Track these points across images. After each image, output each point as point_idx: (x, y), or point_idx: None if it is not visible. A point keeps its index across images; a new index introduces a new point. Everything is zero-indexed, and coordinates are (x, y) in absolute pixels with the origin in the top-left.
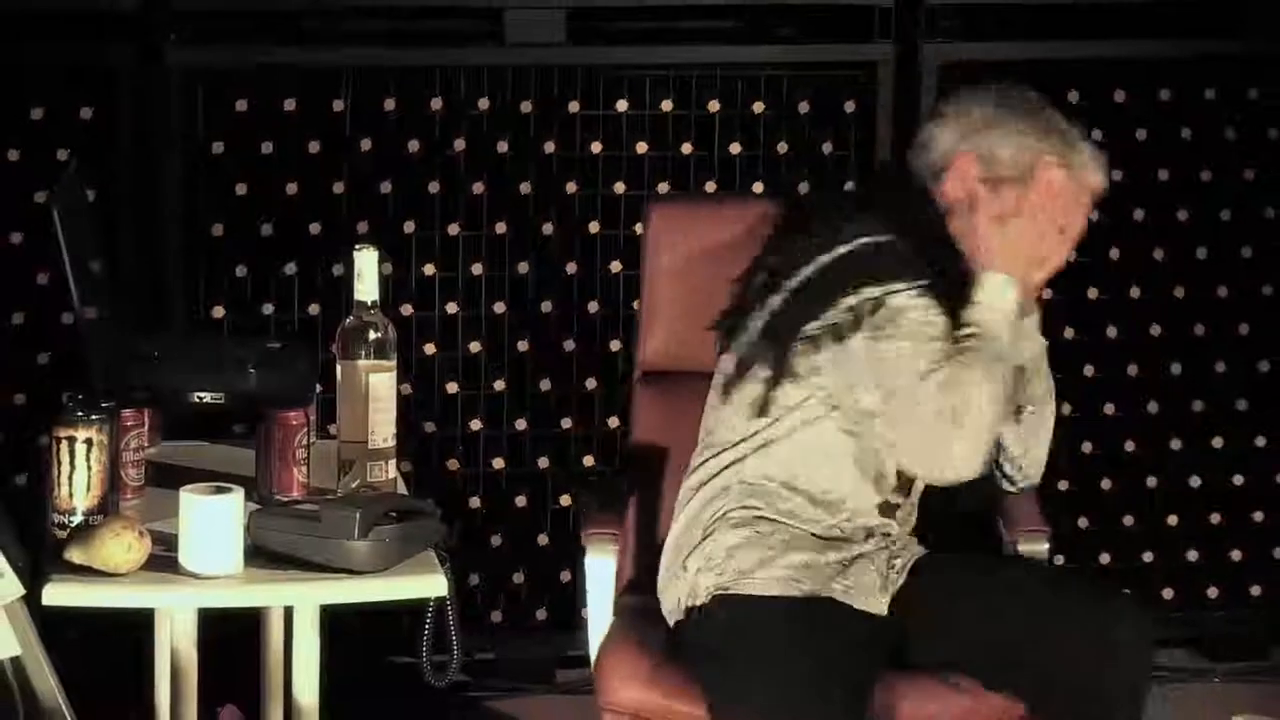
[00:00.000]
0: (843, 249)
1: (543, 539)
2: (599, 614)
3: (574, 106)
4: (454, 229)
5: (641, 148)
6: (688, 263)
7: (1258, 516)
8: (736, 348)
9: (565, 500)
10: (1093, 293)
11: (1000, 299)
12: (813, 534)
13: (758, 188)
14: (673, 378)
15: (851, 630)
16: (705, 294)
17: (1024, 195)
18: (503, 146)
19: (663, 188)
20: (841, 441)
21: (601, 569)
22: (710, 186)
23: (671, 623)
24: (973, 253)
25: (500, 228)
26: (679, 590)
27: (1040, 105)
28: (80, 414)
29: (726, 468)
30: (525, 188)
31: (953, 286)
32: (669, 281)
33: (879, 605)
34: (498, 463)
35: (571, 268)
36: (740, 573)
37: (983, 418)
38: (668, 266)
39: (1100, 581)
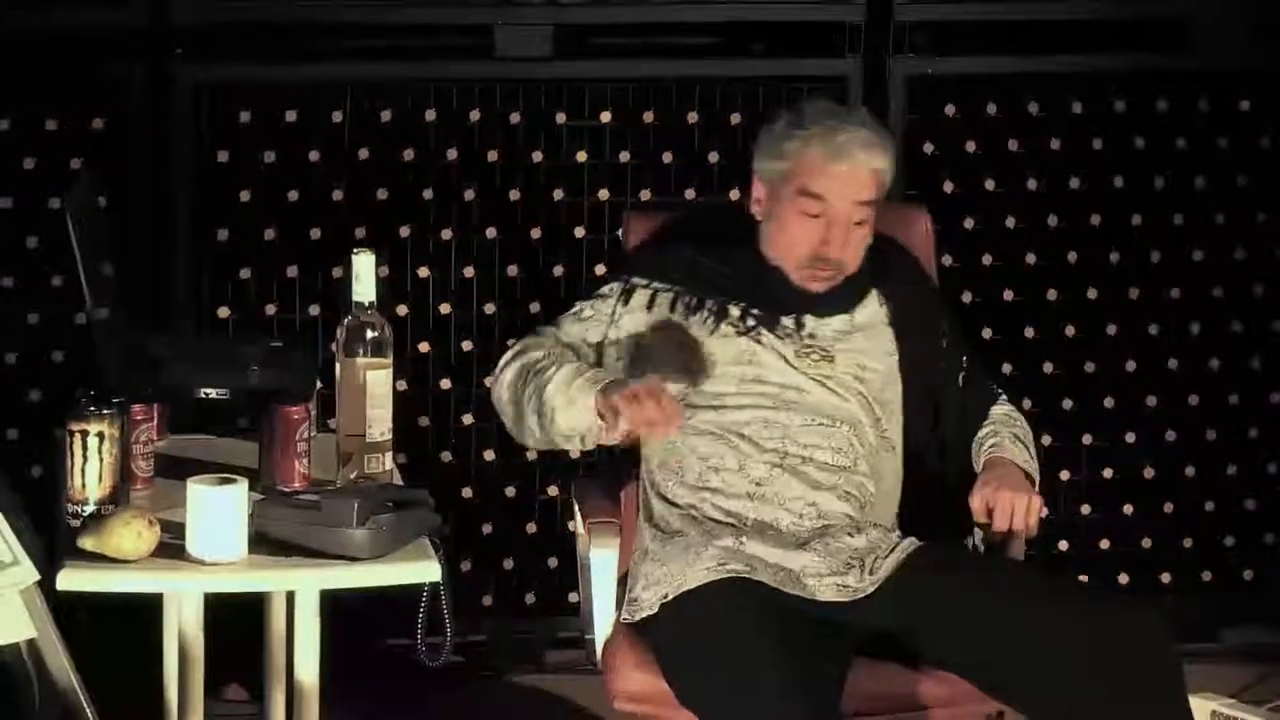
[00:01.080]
0: None
1: (531, 527)
2: (603, 601)
3: (560, 118)
4: (447, 234)
5: (624, 157)
6: None
7: (1209, 506)
8: None
9: (553, 490)
10: (1052, 293)
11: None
12: (725, 522)
13: (734, 194)
14: None
15: (789, 609)
16: None
17: (788, 191)
18: (493, 156)
19: (645, 195)
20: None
21: (604, 556)
22: (690, 193)
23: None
24: (776, 255)
25: (491, 233)
26: (637, 609)
27: (802, 115)
28: (92, 409)
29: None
30: (514, 195)
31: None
32: None
33: (829, 592)
34: (488, 455)
35: (558, 270)
36: (673, 577)
37: (520, 413)
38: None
39: (1105, 591)
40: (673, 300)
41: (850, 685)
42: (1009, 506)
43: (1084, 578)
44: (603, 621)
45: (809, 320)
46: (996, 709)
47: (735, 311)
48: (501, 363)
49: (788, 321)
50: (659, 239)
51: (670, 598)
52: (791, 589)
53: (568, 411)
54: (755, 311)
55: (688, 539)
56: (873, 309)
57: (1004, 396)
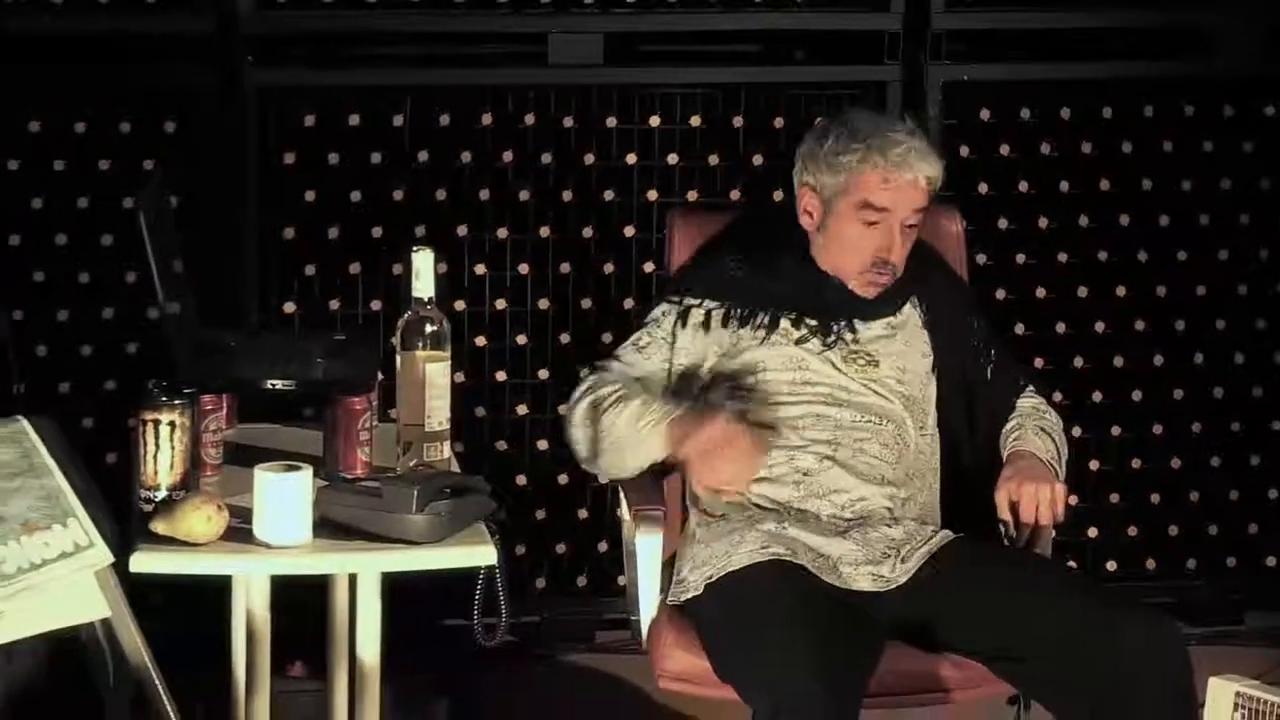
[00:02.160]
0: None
1: (582, 513)
2: (648, 584)
3: (611, 122)
4: (502, 233)
5: (672, 159)
6: None
7: (1233, 495)
8: None
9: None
10: (1082, 291)
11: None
12: (771, 506)
13: (778, 195)
14: None
15: (827, 592)
16: None
17: (846, 204)
18: (546, 158)
19: (691, 195)
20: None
21: (649, 543)
22: (735, 194)
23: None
24: (833, 266)
25: (544, 232)
26: (683, 590)
27: (858, 117)
28: (164, 399)
29: None
30: (567, 195)
31: (788, 298)
32: None
33: (864, 581)
34: (541, 444)
35: (609, 268)
36: (719, 558)
37: (601, 437)
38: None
39: (1123, 596)
40: (725, 315)
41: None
42: (1033, 499)
43: (1112, 564)
44: (648, 604)
45: (857, 325)
46: (1015, 692)
47: (786, 323)
48: (572, 400)
49: (836, 328)
50: (707, 252)
51: (715, 578)
52: (828, 576)
53: (638, 451)
54: (808, 321)
55: (732, 523)
56: (908, 311)
57: (1031, 389)
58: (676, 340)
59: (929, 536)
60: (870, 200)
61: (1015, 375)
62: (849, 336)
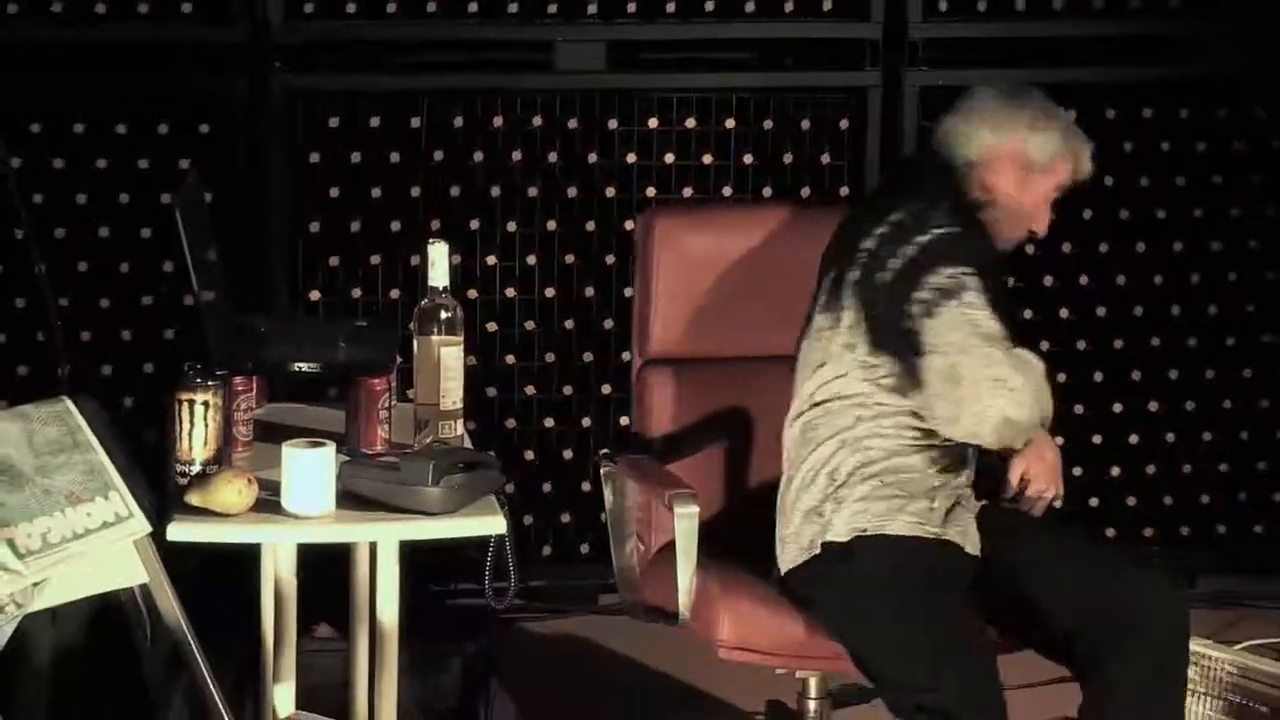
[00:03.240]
0: (922, 239)
1: (586, 486)
2: (686, 563)
3: (612, 123)
4: (512, 226)
5: (669, 158)
6: (686, 263)
7: (1186, 469)
8: (850, 320)
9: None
10: (1048, 279)
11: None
12: (926, 486)
13: (767, 192)
14: (674, 364)
15: (963, 575)
16: (701, 289)
17: (1044, 181)
18: (552, 157)
19: (687, 192)
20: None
21: (688, 524)
22: (727, 190)
23: (797, 563)
24: (1004, 235)
25: (551, 225)
26: (810, 533)
27: (1053, 105)
28: (199, 380)
29: (841, 431)
30: (572, 192)
31: (986, 267)
32: (668, 279)
33: (976, 548)
34: (548, 422)
35: (610, 259)
36: (875, 516)
37: (1027, 401)
38: (666, 267)
39: (1134, 553)
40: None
41: None
42: (1044, 482)
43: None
44: (688, 579)
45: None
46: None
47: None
48: (1019, 371)
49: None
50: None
51: (869, 533)
52: (965, 545)
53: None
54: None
55: (889, 486)
56: None
57: None
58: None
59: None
60: (1069, 182)
61: None
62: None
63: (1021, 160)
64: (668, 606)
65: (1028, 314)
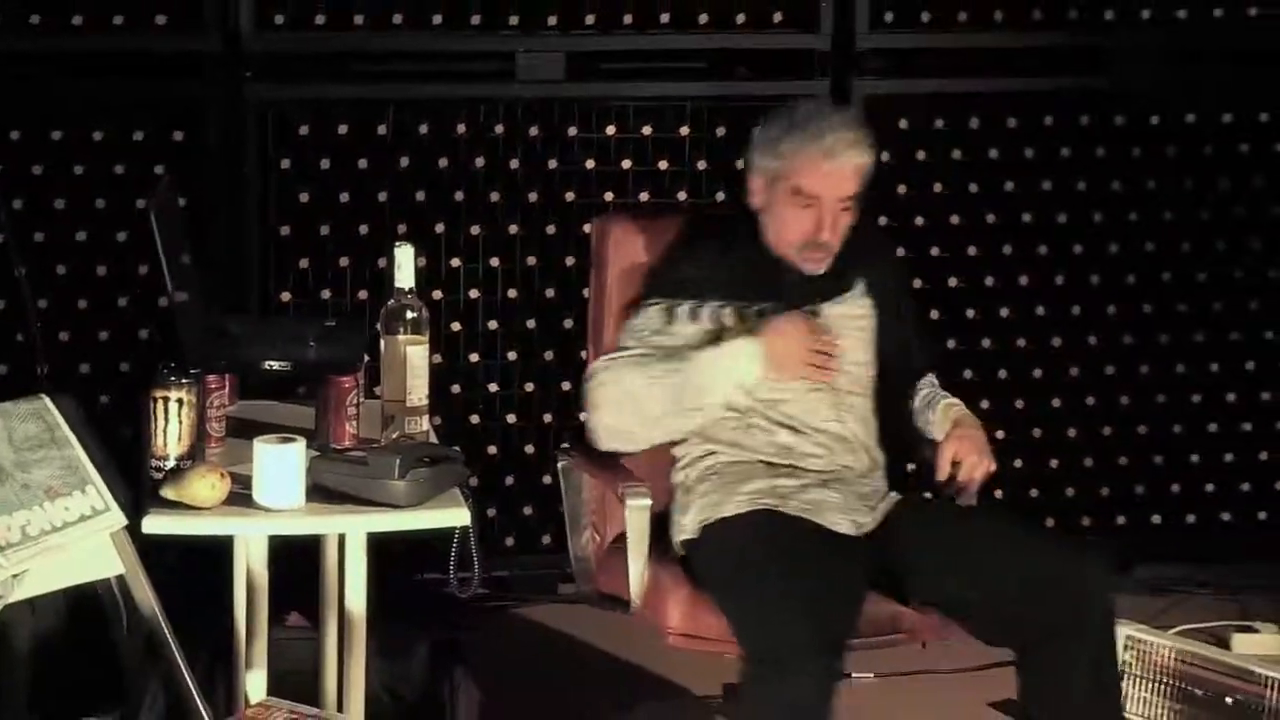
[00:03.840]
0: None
1: (547, 479)
2: (637, 553)
3: (572, 131)
4: (475, 229)
5: (626, 164)
6: (636, 265)
7: (1122, 461)
8: None
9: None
10: (989, 280)
11: (731, 363)
12: (761, 461)
13: (720, 196)
14: None
15: (813, 538)
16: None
17: (783, 187)
18: (514, 163)
19: (643, 197)
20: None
21: (640, 516)
22: (682, 195)
23: (679, 555)
24: (771, 245)
25: (513, 228)
26: (678, 533)
27: (795, 117)
28: (173, 379)
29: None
30: (533, 197)
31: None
32: (620, 281)
33: (845, 525)
34: (510, 418)
35: (569, 261)
36: (713, 506)
37: (619, 402)
38: (618, 269)
39: (1066, 538)
40: (696, 310)
41: None
42: (974, 467)
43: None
44: (638, 569)
45: (822, 306)
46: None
47: (753, 311)
48: (596, 370)
49: (806, 311)
50: (673, 256)
51: (711, 521)
52: (815, 518)
53: (730, 377)
54: (771, 308)
55: (724, 477)
56: (859, 288)
57: (934, 375)
58: (674, 334)
59: (885, 493)
60: (802, 187)
61: (929, 355)
62: (814, 319)
63: (760, 173)
64: (622, 595)
65: (970, 313)
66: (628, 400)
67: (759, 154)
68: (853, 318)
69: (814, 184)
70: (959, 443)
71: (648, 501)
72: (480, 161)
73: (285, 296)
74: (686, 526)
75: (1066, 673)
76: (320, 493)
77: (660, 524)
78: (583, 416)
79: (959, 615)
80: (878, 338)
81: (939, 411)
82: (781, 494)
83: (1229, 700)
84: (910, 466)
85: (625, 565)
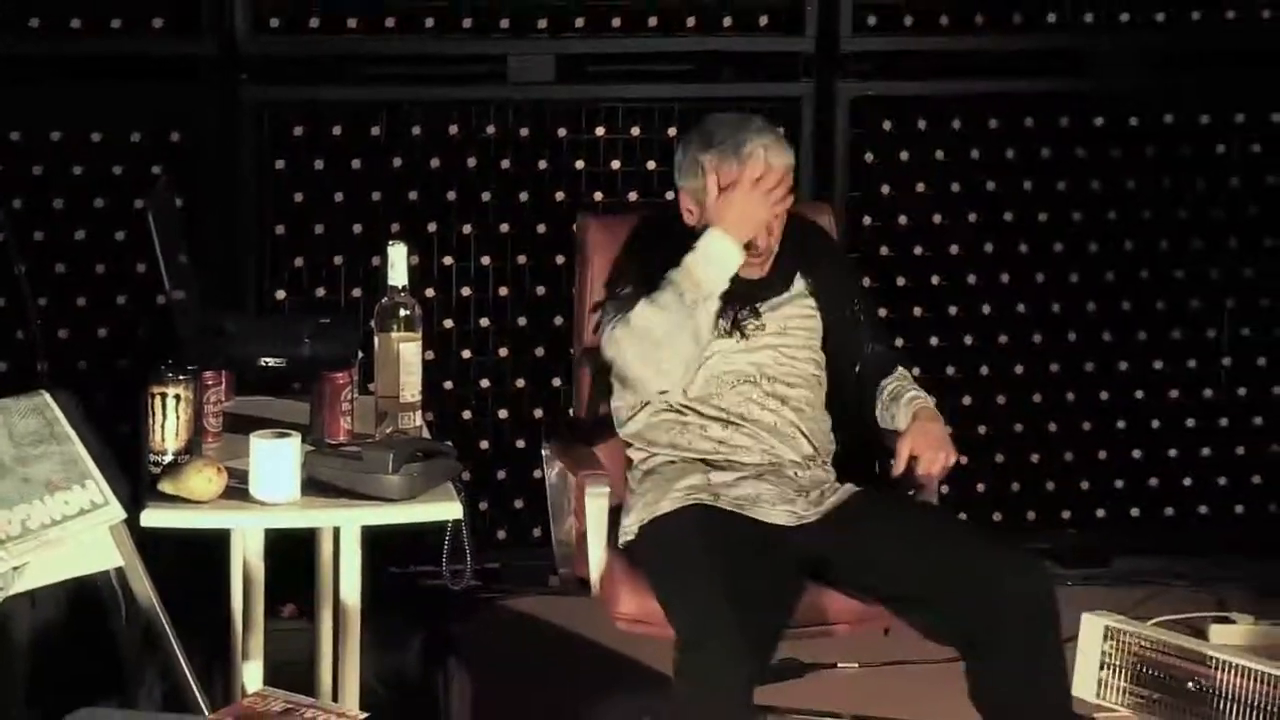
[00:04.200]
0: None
1: (537, 474)
2: (596, 540)
3: (561, 132)
4: (467, 228)
5: (615, 165)
6: (614, 260)
7: (1102, 455)
8: None
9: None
10: (971, 278)
11: (710, 246)
12: (698, 459)
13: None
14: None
15: (745, 531)
16: None
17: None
18: (505, 164)
19: (632, 196)
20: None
21: (598, 504)
22: (670, 195)
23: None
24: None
25: (504, 228)
26: (622, 535)
27: (710, 132)
28: (171, 375)
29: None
30: (524, 196)
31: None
32: (601, 276)
33: (780, 516)
34: (502, 413)
35: (559, 259)
36: (649, 505)
37: (644, 334)
38: (599, 264)
39: (1008, 540)
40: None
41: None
42: (932, 461)
43: (997, 515)
44: (597, 555)
45: (761, 307)
46: (889, 625)
47: None
48: (612, 331)
49: (744, 312)
50: (629, 252)
51: (646, 521)
52: (749, 511)
53: (722, 270)
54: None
55: (663, 475)
56: (799, 286)
57: (902, 370)
58: None
59: (836, 487)
60: (728, 182)
61: (891, 351)
62: (756, 318)
63: (688, 192)
64: (587, 579)
65: (953, 310)
66: (646, 339)
67: (683, 176)
68: (794, 317)
69: (739, 175)
70: (916, 437)
71: (606, 489)
72: (472, 162)
73: (280, 294)
74: (628, 529)
75: (1013, 669)
76: (315, 487)
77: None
78: (613, 404)
79: (903, 610)
80: (827, 336)
81: (902, 406)
82: (715, 489)
83: (1203, 688)
84: (877, 463)
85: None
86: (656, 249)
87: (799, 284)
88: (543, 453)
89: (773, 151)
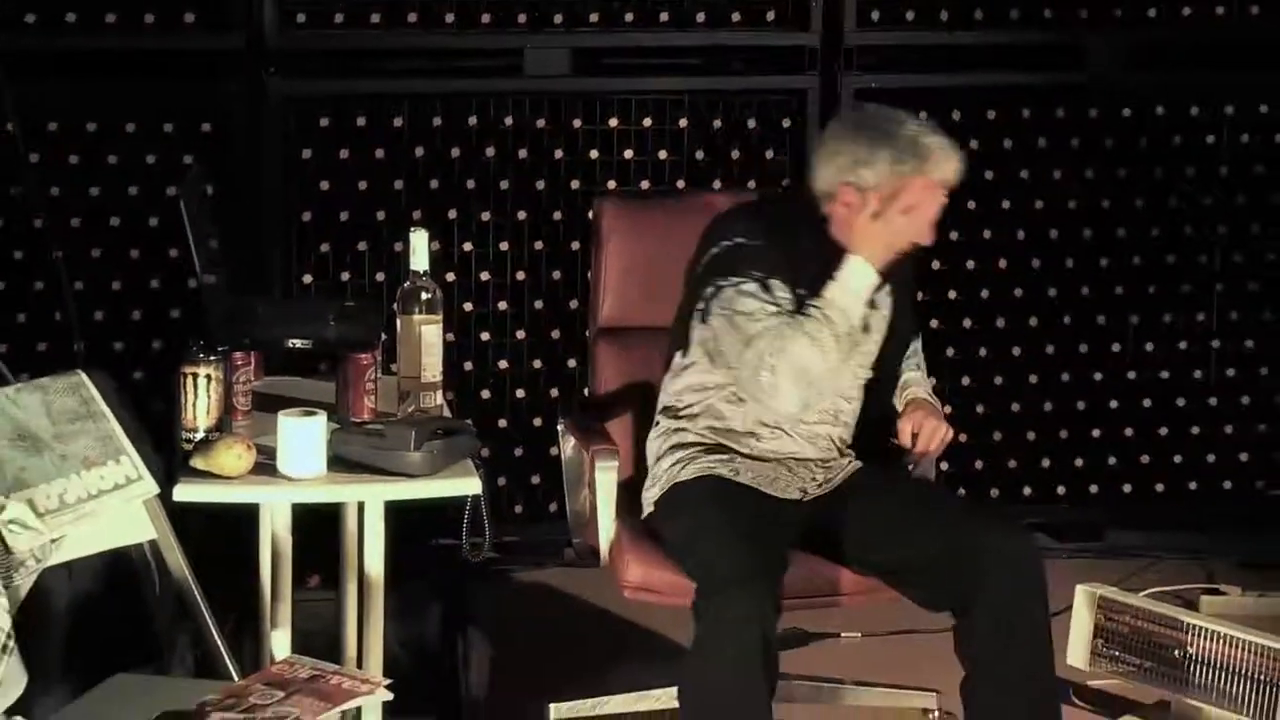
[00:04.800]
0: (715, 249)
1: (553, 450)
2: (605, 511)
3: (576, 123)
4: (485, 215)
5: (628, 154)
6: (630, 244)
7: (1095, 434)
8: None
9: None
10: (970, 264)
11: (855, 281)
12: (720, 444)
13: (716, 184)
14: (622, 332)
15: (756, 502)
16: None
17: (890, 202)
18: (522, 153)
19: (644, 185)
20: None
21: (608, 477)
22: (680, 183)
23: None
24: (852, 247)
25: (521, 215)
26: (645, 506)
27: (897, 123)
28: (202, 356)
29: (663, 412)
30: (540, 185)
31: (810, 274)
32: (616, 259)
33: (791, 494)
34: (519, 393)
35: (574, 245)
36: (672, 478)
37: (800, 370)
38: (615, 248)
39: (996, 511)
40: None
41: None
42: (931, 434)
43: (995, 491)
44: (607, 527)
45: (877, 300)
46: (893, 597)
47: (784, 292)
48: (763, 355)
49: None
50: (749, 235)
51: (668, 487)
52: (763, 488)
53: (859, 306)
54: (800, 292)
55: (688, 450)
56: (884, 304)
57: (921, 357)
58: (775, 298)
59: (845, 465)
60: (917, 204)
61: (916, 342)
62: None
63: (860, 189)
64: (597, 549)
65: (952, 294)
66: (802, 378)
67: (863, 172)
68: (881, 316)
69: (929, 199)
70: (915, 414)
71: (614, 463)
72: (490, 151)
73: (307, 279)
74: (649, 502)
75: (995, 623)
76: (340, 463)
77: (633, 489)
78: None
79: (897, 581)
80: (883, 350)
81: (900, 395)
82: (735, 467)
83: (1192, 657)
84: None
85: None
86: (793, 240)
87: (884, 302)
88: (558, 428)
89: (957, 162)
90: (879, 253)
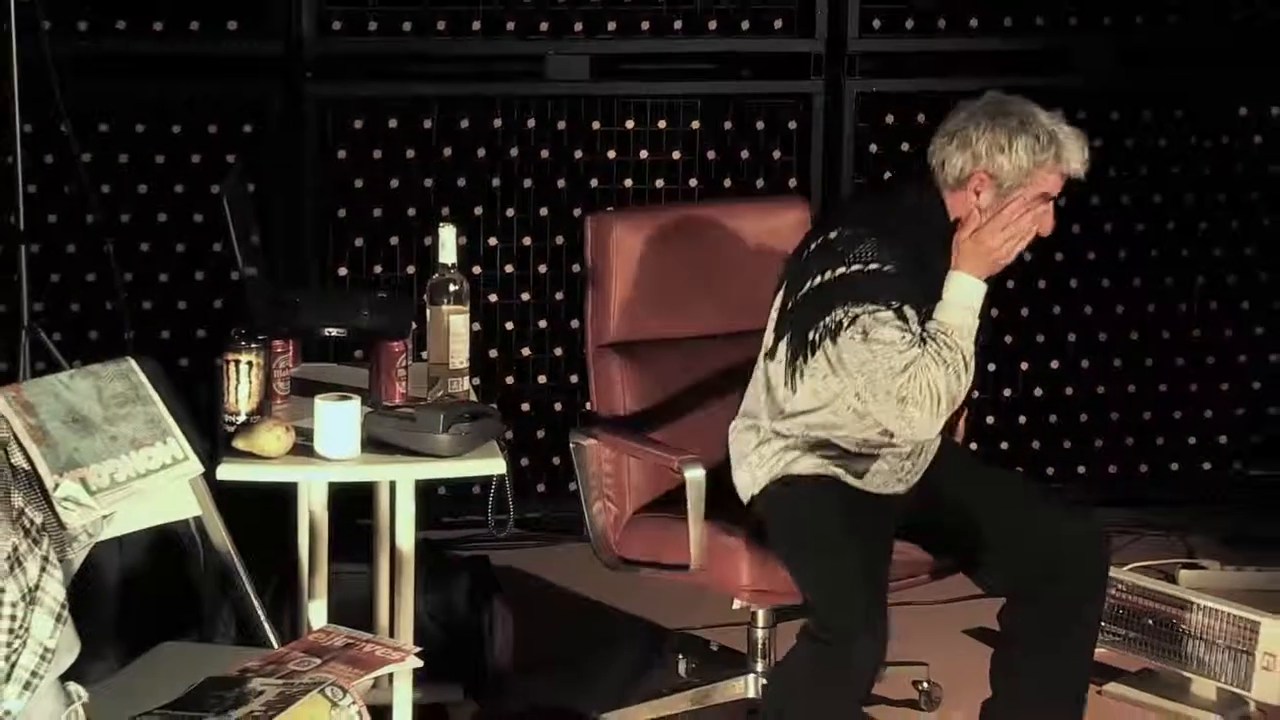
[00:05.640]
0: (843, 269)
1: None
2: (696, 518)
3: (595, 125)
4: (510, 212)
5: (644, 154)
6: (630, 259)
7: (1083, 418)
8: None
9: (589, 407)
10: None
11: (970, 299)
12: (827, 440)
13: (727, 183)
14: (626, 346)
15: (867, 502)
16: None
17: (1025, 193)
18: (544, 153)
19: (659, 184)
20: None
21: (698, 483)
22: (693, 182)
23: (746, 499)
24: (958, 262)
25: (543, 211)
26: (744, 482)
27: (1030, 113)
28: (244, 343)
29: (763, 410)
30: (561, 183)
31: (925, 283)
32: (619, 272)
33: (892, 486)
34: (541, 379)
35: None
36: (785, 465)
37: (938, 398)
38: (615, 263)
39: (1060, 496)
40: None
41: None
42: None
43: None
44: (698, 532)
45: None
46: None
47: (915, 317)
48: (902, 375)
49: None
50: (880, 258)
51: (779, 475)
52: (868, 487)
53: (968, 314)
54: (926, 316)
55: (795, 440)
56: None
57: None
58: (909, 327)
59: (933, 447)
60: (1048, 192)
61: None
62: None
63: (996, 179)
64: (661, 559)
65: None
66: (939, 402)
67: (1000, 158)
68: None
69: (1056, 188)
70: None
71: (703, 471)
72: (514, 152)
73: (342, 271)
74: (758, 482)
75: (1053, 635)
76: (374, 444)
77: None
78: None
79: (971, 568)
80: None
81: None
82: (851, 468)
83: (1173, 627)
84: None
85: (653, 533)
86: (920, 263)
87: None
88: (570, 442)
89: (1086, 151)
90: (983, 267)
